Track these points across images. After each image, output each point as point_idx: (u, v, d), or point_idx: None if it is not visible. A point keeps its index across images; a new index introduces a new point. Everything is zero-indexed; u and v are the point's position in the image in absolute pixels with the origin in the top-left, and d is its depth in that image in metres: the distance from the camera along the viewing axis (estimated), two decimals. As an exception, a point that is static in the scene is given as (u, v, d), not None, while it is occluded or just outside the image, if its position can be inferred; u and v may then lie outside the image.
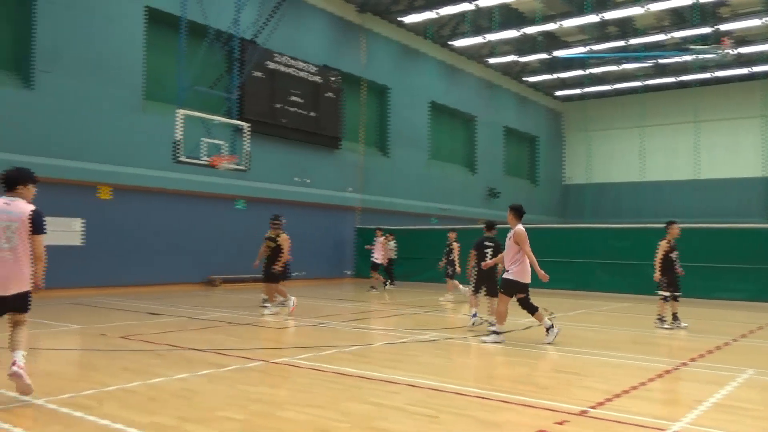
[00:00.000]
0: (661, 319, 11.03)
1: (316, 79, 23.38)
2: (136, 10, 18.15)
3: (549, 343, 8.82)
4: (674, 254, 10.97)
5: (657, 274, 10.91)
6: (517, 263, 8.92)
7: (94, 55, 17.14)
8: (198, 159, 15.12)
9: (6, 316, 5.60)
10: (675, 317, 11.03)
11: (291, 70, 22.41)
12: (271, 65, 21.64)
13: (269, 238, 12.38)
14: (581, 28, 28.85)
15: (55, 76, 16.31)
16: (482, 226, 11.53)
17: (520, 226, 9.01)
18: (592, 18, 25.35)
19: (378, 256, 19.34)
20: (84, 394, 5.66)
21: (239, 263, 20.85)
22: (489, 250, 10.69)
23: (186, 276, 19.17)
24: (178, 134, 14.43)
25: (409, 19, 26.19)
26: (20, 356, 5.43)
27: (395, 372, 6.78)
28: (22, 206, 5.48)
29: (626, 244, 18.62)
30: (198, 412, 5.09)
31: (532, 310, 9.06)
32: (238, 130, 17.07)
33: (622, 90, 37.45)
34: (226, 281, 20.24)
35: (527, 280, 8.97)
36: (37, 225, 5.48)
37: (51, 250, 17.23)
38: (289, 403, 5.36)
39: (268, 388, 5.89)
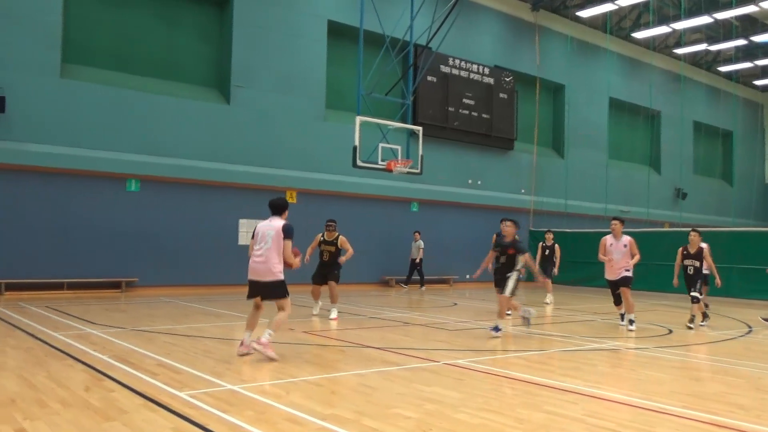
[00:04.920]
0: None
1: (489, 80, 23.25)
2: (319, 25, 19.34)
3: None
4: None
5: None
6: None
7: (282, 69, 18.54)
8: (375, 163, 15.67)
9: (256, 301, 7.73)
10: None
11: (464, 73, 22.51)
12: (445, 69, 21.89)
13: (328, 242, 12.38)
14: (787, 9, 25.84)
15: (248, 90, 17.89)
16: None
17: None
18: (800, -4, 22.61)
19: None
20: (273, 383, 6.13)
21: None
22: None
23: (362, 276, 19.95)
24: (357, 140, 15.09)
25: (585, 13, 25.15)
26: (266, 334, 7.30)
27: (572, 381, 6.53)
28: (278, 222, 7.66)
29: None
30: (375, 407, 5.28)
31: None
32: (412, 134, 17.48)
33: (839, 75, 32.95)
34: (399, 282, 20.79)
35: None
36: (285, 232, 7.52)
37: (245, 249, 18.71)
38: (462, 406, 5.38)
39: (441, 389, 5.96)
